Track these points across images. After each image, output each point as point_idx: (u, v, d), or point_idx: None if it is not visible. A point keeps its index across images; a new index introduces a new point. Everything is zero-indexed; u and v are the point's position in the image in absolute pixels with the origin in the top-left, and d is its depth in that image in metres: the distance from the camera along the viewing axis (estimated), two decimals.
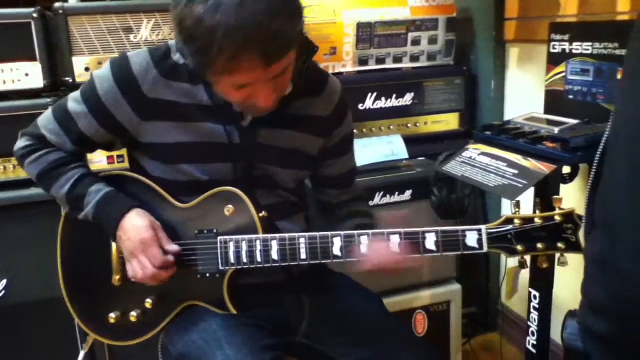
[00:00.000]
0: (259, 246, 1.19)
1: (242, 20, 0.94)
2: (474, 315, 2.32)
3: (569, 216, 1.12)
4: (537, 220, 1.13)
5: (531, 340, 1.68)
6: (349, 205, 1.42)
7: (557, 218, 1.12)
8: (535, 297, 1.64)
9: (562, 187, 1.59)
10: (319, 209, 1.46)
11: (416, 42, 2.17)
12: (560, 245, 1.13)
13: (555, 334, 1.72)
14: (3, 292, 1.84)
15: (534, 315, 1.66)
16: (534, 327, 1.67)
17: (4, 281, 1.84)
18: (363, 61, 2.13)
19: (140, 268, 1.19)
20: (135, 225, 1.19)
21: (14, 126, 1.73)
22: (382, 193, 1.96)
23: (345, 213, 1.40)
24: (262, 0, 0.95)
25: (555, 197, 1.15)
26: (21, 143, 1.29)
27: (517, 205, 1.16)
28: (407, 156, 2.11)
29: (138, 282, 1.21)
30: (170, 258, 1.19)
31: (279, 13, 0.97)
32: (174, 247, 1.21)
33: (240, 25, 0.94)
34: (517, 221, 1.13)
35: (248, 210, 1.21)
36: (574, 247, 1.12)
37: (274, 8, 0.96)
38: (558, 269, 1.62)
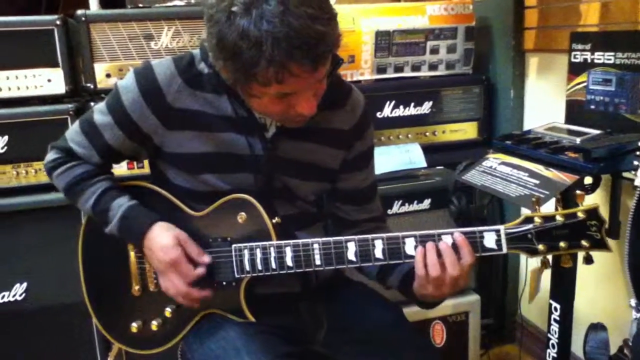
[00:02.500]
0: (273, 253, 1.18)
1: (288, 27, 0.94)
2: (492, 327, 2.29)
3: (593, 212, 1.06)
4: (558, 218, 1.06)
5: (551, 352, 1.66)
6: (369, 225, 1.37)
7: (580, 215, 1.05)
8: (556, 309, 1.62)
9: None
10: (334, 225, 1.42)
11: (434, 51, 2.17)
12: (584, 243, 1.06)
13: (575, 347, 1.70)
14: (23, 295, 1.86)
15: (555, 327, 1.63)
16: (554, 340, 1.64)
17: (24, 284, 1.85)
18: (381, 69, 2.13)
19: (171, 286, 1.19)
20: (161, 243, 1.18)
21: (36, 131, 1.79)
22: (400, 201, 1.95)
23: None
24: (303, 5, 0.95)
25: (578, 192, 1.09)
26: (50, 156, 1.30)
27: (537, 202, 1.10)
28: (424, 165, 2.10)
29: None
30: (201, 271, 1.18)
31: (319, 16, 0.97)
32: (205, 259, 1.19)
33: (287, 32, 0.94)
34: (537, 220, 1.07)
35: (260, 216, 1.20)
36: (599, 244, 1.06)
37: (314, 12, 0.96)
38: (578, 282, 1.62)
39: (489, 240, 1.09)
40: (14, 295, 1.85)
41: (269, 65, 0.96)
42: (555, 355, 1.65)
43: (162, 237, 1.18)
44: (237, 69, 1.01)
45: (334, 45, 1.02)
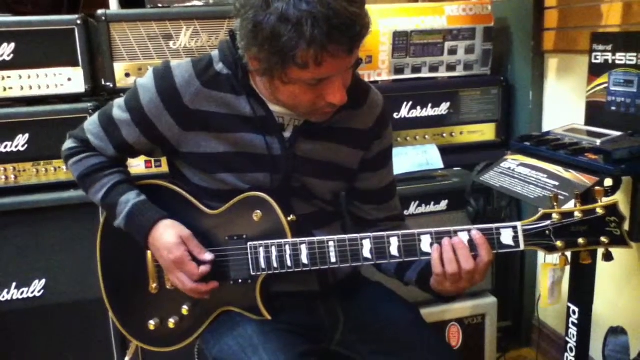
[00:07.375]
0: (288, 250, 1.18)
1: (327, 7, 0.96)
2: (508, 329, 2.27)
3: (612, 208, 1.04)
4: (577, 214, 1.05)
5: (569, 356, 1.64)
6: (389, 224, 1.37)
7: (599, 211, 1.04)
8: (574, 312, 1.60)
9: None
10: (352, 224, 1.43)
11: (452, 52, 2.15)
12: (603, 239, 1.04)
13: (593, 351, 1.68)
14: (42, 291, 1.88)
15: (573, 330, 1.61)
16: (572, 343, 1.62)
17: (43, 281, 1.87)
18: (399, 70, 2.12)
19: (179, 283, 1.20)
20: (165, 242, 1.19)
21: (55, 130, 1.81)
22: (417, 202, 1.94)
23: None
24: None
25: (598, 188, 1.07)
26: (67, 144, 1.32)
27: (556, 199, 1.09)
28: (442, 166, 2.09)
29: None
30: (205, 269, 1.19)
31: None
32: (207, 257, 1.20)
33: (326, 13, 0.96)
34: (555, 216, 1.06)
35: (276, 214, 1.20)
36: (618, 240, 1.04)
37: None
38: (597, 285, 1.60)
39: (506, 237, 1.08)
40: (32, 292, 1.87)
41: (309, 46, 0.97)
42: (573, 359, 1.63)
43: (166, 236, 1.19)
44: (274, 53, 1.01)
45: (367, 28, 1.04)
